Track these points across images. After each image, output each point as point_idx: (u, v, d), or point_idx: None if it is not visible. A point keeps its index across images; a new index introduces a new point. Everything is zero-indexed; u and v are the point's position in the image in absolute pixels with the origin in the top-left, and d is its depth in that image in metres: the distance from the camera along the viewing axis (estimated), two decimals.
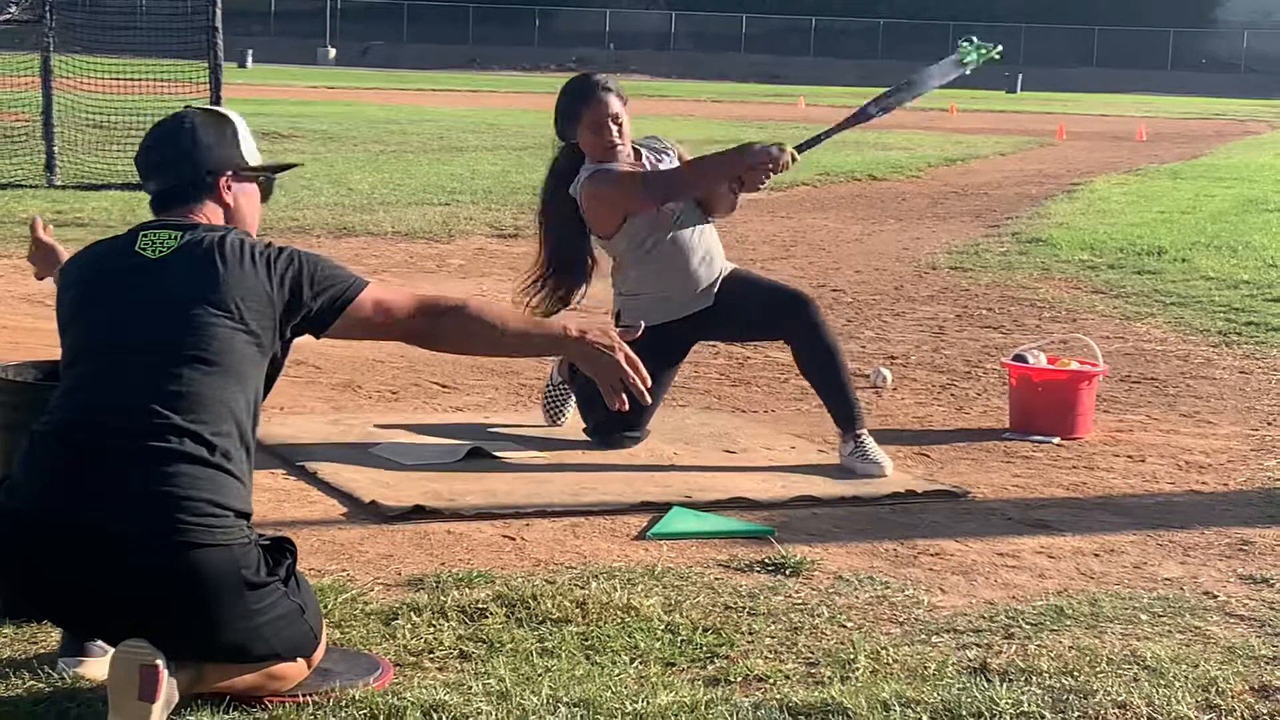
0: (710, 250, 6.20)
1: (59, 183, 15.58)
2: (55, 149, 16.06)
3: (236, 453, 3.46)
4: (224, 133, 3.82)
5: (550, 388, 6.53)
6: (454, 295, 3.93)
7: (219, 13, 15.79)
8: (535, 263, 6.36)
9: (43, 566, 3.35)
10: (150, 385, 3.42)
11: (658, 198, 6.06)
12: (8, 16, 16.17)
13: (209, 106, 3.91)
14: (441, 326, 3.80)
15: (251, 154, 3.86)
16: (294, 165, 4.20)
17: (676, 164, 6.27)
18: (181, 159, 3.74)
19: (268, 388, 3.65)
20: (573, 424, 6.37)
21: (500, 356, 3.83)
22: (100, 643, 3.60)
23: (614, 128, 6.04)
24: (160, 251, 3.59)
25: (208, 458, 3.38)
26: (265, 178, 3.92)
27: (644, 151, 6.28)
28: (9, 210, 13.34)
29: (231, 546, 3.36)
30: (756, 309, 6.14)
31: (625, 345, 3.83)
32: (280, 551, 3.54)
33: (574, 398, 6.39)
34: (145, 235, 3.63)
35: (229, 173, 3.78)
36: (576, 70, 72.10)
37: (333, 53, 73.93)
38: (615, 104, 6.05)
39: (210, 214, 3.74)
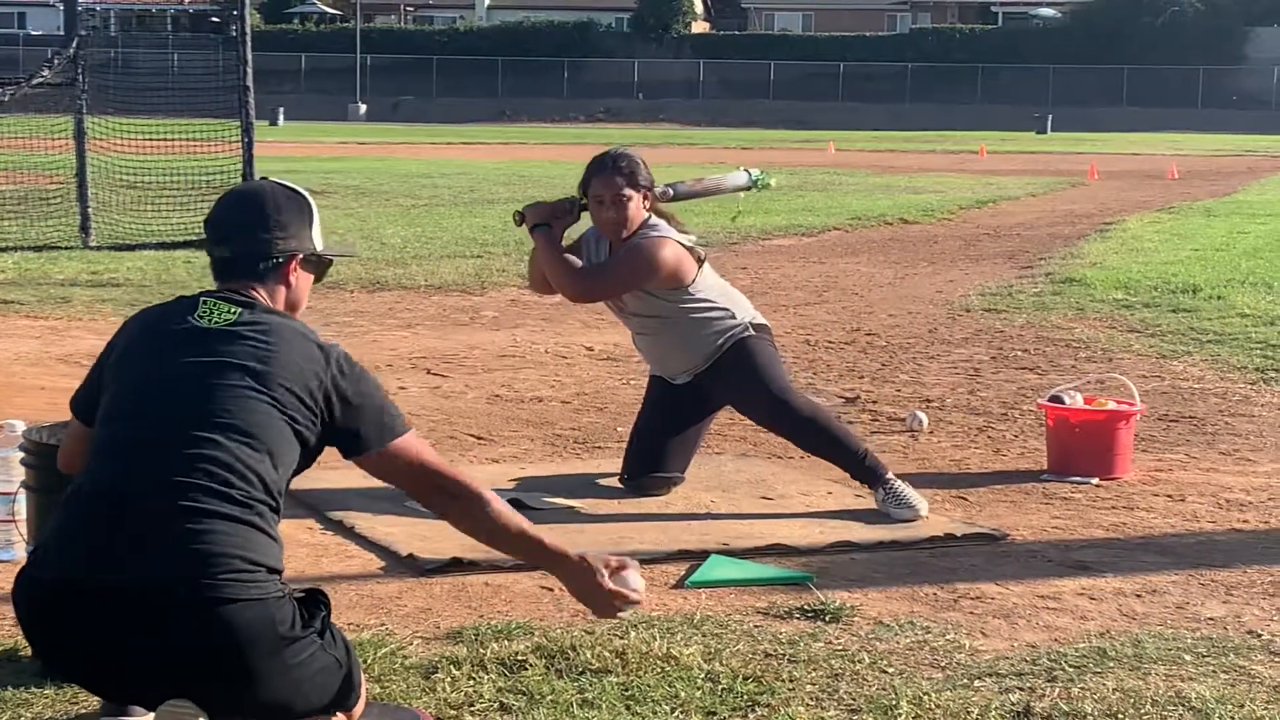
0: (661, 356, 6.26)
1: (94, 244, 15.67)
2: (90, 210, 16.16)
3: (267, 514, 3.44)
4: (303, 214, 3.82)
5: None
6: (475, 482, 3.72)
7: (250, 72, 15.88)
8: None
9: (75, 636, 3.33)
10: (181, 449, 3.40)
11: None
12: (40, 80, 16.30)
13: (288, 184, 3.89)
14: (450, 509, 3.72)
15: (319, 238, 3.86)
16: (352, 255, 4.22)
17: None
18: (261, 232, 3.73)
19: (296, 472, 3.62)
20: (607, 472, 6.36)
21: (487, 545, 3.82)
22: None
23: (612, 207, 6.06)
24: (216, 322, 3.58)
25: (238, 515, 3.36)
26: (325, 262, 3.94)
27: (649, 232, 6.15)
28: (45, 272, 13.43)
29: (266, 601, 3.34)
30: (741, 405, 6.30)
31: (609, 582, 3.76)
32: (314, 604, 3.52)
33: None
34: (206, 303, 3.62)
35: (300, 256, 3.79)
36: (606, 120, 71.57)
37: (363, 108, 74.31)
38: (616, 184, 6.03)
39: (271, 292, 3.73)
